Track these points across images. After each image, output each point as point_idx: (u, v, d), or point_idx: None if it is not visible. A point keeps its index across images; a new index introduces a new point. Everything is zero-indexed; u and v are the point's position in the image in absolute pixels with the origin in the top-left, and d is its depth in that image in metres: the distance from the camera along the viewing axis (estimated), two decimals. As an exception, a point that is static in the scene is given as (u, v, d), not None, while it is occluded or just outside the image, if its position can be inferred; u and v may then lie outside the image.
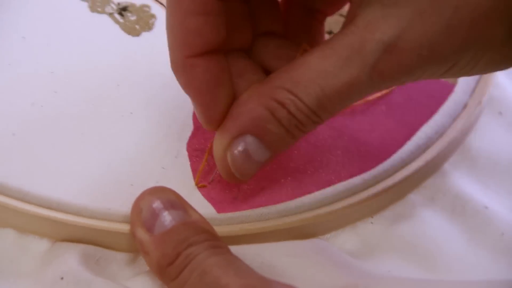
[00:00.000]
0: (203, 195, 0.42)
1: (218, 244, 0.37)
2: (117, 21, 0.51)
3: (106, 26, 0.50)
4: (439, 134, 0.47)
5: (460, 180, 0.47)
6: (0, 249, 0.40)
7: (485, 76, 0.51)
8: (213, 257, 0.36)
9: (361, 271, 0.40)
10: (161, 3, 0.52)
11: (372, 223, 0.44)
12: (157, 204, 0.38)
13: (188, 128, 0.45)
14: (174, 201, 0.38)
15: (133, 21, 0.51)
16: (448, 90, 0.49)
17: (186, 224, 0.37)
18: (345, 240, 0.43)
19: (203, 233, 0.37)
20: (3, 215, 0.40)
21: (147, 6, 0.52)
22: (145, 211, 0.38)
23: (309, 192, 0.43)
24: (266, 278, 0.36)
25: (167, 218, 0.38)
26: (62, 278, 0.38)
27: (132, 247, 0.40)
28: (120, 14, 0.51)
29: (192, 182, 0.43)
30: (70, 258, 0.39)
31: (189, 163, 0.44)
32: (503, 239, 0.44)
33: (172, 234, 0.37)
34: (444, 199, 0.46)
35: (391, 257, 0.43)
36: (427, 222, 0.44)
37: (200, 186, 0.43)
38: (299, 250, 0.40)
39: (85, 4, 0.51)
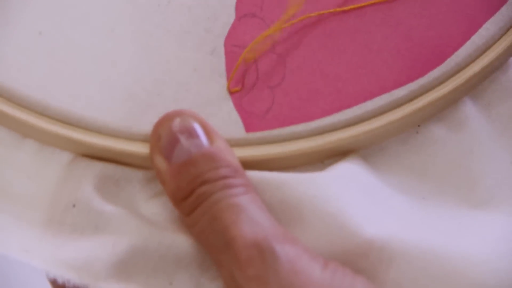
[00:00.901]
0: (234, 103, 0.40)
1: (236, 182, 0.36)
2: None
3: None
4: (504, 30, 0.43)
5: None
6: (19, 162, 0.40)
7: None
8: (226, 200, 0.35)
9: (384, 218, 0.38)
10: None
11: (417, 132, 0.42)
12: (176, 131, 0.37)
13: (230, 20, 0.42)
14: (195, 127, 0.37)
15: None
16: (523, -24, 0.44)
17: (204, 155, 0.36)
18: (387, 152, 0.41)
19: (221, 167, 0.36)
20: (23, 129, 0.40)
21: None
22: (163, 138, 0.37)
23: (349, 106, 0.40)
24: (277, 227, 0.35)
25: (185, 147, 0.37)
26: (74, 206, 0.38)
27: (153, 166, 0.40)
28: None
29: (225, 86, 0.41)
30: (87, 181, 0.39)
31: (225, 61, 0.42)
32: None
33: (188, 166, 0.36)
34: (502, 105, 0.43)
35: (429, 179, 0.41)
36: (476, 137, 0.41)
37: (233, 91, 0.41)
38: (324, 186, 0.38)
39: None
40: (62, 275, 0.35)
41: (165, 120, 0.38)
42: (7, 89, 0.39)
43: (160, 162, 0.37)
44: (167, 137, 0.37)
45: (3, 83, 0.39)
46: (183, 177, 0.36)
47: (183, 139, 0.37)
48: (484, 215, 0.39)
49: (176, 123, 0.37)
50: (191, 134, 0.37)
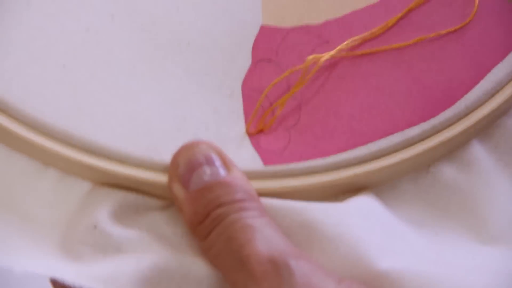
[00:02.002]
0: (252, 143, 0.42)
1: (251, 206, 0.37)
2: None
3: None
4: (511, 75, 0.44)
5: None
6: (41, 191, 0.40)
7: None
8: (241, 222, 0.36)
9: (400, 251, 0.39)
10: None
11: (428, 172, 0.43)
12: (194, 160, 0.38)
13: (247, 64, 0.44)
14: (212, 157, 0.38)
15: None
16: (530, 24, 0.46)
17: (221, 182, 0.37)
18: (399, 190, 0.42)
19: (237, 192, 0.37)
20: (46, 158, 0.40)
21: None
22: (181, 166, 0.38)
23: (363, 144, 0.42)
24: (293, 249, 0.36)
25: (202, 174, 0.38)
26: (95, 227, 0.38)
27: (174, 196, 0.40)
28: None
29: (243, 128, 0.42)
30: (108, 205, 0.39)
31: (243, 105, 0.43)
32: None
33: (205, 191, 0.37)
34: (509, 149, 0.44)
35: (441, 217, 0.42)
36: (485, 178, 0.42)
37: (251, 134, 0.42)
38: (344, 215, 0.39)
39: None
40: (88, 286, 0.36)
41: (184, 149, 0.39)
42: (32, 118, 0.41)
43: (178, 189, 0.38)
44: (185, 165, 0.38)
45: (29, 113, 0.41)
46: (199, 202, 0.37)
47: (200, 168, 0.38)
48: (496, 252, 0.40)
49: (195, 152, 0.38)
50: (209, 162, 0.38)
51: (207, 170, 0.38)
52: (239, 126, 0.42)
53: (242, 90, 0.43)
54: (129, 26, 0.44)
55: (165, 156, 0.40)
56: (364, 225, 0.39)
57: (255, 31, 0.45)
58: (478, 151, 0.43)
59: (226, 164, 0.38)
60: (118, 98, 0.42)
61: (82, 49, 0.43)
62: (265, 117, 0.42)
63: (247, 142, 0.42)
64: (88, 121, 0.41)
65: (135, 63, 0.43)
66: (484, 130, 0.44)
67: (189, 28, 0.45)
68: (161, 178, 0.40)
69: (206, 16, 0.45)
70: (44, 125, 0.41)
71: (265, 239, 0.36)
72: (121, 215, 0.40)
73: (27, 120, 0.41)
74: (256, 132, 0.42)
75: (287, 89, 0.43)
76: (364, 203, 0.40)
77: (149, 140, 0.41)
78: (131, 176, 0.40)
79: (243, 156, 0.41)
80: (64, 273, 0.36)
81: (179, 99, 0.42)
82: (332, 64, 0.44)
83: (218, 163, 0.38)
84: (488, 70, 0.44)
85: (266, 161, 0.41)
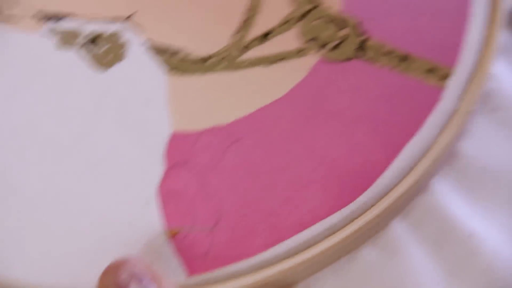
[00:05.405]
0: (174, 247, 0.41)
1: None
2: (85, 55, 0.49)
3: (73, 64, 0.48)
4: (426, 149, 0.45)
5: (447, 198, 0.45)
6: None
7: (478, 77, 0.47)
8: None
9: None
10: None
11: (352, 259, 0.43)
12: (120, 281, 0.37)
13: (160, 170, 0.44)
14: (139, 274, 0.38)
15: (105, 51, 0.49)
16: (436, 98, 0.47)
17: None
18: (324, 282, 0.43)
19: None
20: None
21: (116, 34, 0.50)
22: None
23: (284, 239, 0.42)
24: None
25: None
26: None
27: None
28: (92, 43, 0.49)
29: (163, 233, 0.42)
30: None
31: (161, 207, 0.43)
32: (487, 275, 0.42)
33: None
34: (429, 226, 0.44)
35: None
36: (409, 259, 0.43)
37: (173, 234, 0.42)
38: None
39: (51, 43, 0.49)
40: None
41: (110, 270, 0.38)
42: None
43: None
44: (114, 287, 0.37)
45: None
46: None
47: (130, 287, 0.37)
48: None
49: (120, 272, 0.38)
50: (136, 280, 0.37)
51: None
52: (158, 232, 0.42)
53: (159, 194, 0.43)
54: (37, 160, 0.44)
55: (88, 281, 0.40)
56: None
57: (165, 138, 0.45)
58: (400, 232, 0.44)
59: (155, 278, 0.38)
60: (32, 232, 0.42)
61: None
62: (185, 218, 0.42)
63: (168, 249, 0.41)
64: (2, 258, 0.41)
65: (46, 196, 0.43)
66: (403, 208, 0.44)
67: (99, 150, 0.45)
68: None
69: (116, 135, 0.45)
70: None
71: None
72: None
73: None
74: (177, 231, 0.42)
75: (205, 189, 0.43)
76: None
77: (70, 269, 0.41)
78: None
79: (166, 266, 0.41)
80: None
81: (94, 223, 0.42)
82: (247, 159, 0.44)
83: (146, 279, 0.38)
84: (400, 148, 0.45)
85: (189, 270, 0.41)
